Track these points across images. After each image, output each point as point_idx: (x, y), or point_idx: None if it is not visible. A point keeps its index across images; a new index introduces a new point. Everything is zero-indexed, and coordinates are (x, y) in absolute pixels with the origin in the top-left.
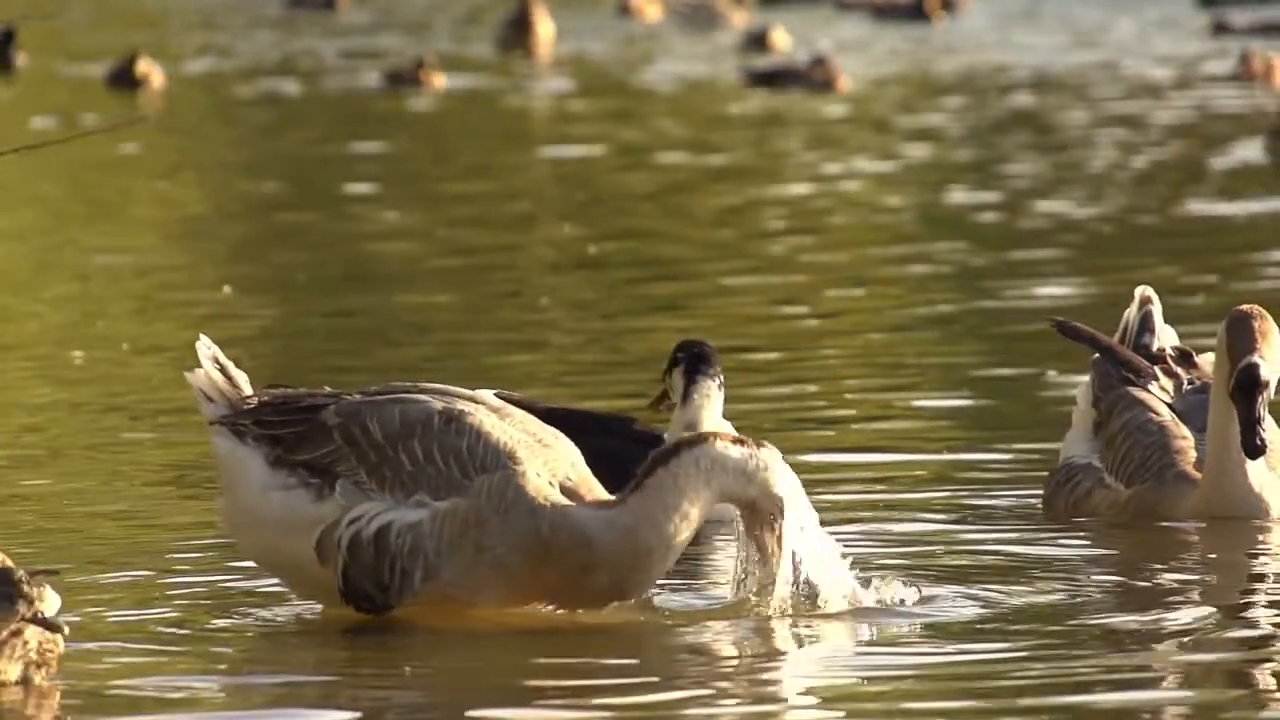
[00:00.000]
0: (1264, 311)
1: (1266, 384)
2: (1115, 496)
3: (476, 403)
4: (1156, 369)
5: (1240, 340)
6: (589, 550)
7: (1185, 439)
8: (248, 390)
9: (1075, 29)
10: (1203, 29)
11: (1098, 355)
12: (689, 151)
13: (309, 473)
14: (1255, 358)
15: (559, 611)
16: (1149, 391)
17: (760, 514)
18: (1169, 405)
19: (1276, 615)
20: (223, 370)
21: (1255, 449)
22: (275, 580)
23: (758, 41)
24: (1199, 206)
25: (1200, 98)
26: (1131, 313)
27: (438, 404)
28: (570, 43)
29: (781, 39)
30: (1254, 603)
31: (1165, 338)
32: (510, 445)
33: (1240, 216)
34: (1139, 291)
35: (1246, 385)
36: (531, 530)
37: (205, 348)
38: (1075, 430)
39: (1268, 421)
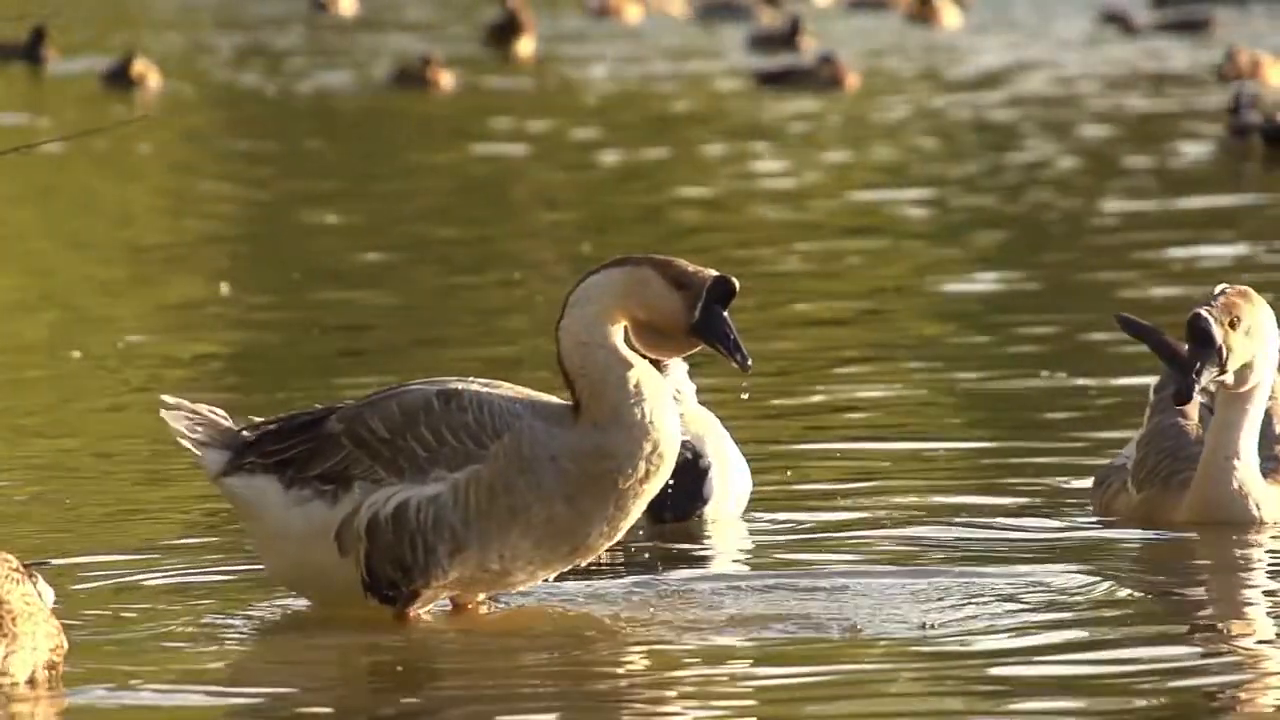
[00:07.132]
0: (1247, 291)
1: (1211, 334)
2: (1130, 500)
3: (465, 379)
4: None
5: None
6: (607, 458)
7: (1201, 444)
8: (230, 423)
9: (1015, 27)
10: (1102, 26)
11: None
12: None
13: (323, 483)
14: (1204, 311)
15: (584, 562)
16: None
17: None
18: (1208, 408)
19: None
20: (202, 418)
21: (1183, 393)
22: (272, 579)
23: (770, 41)
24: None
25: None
26: None
27: (431, 388)
28: (560, 45)
29: (805, 40)
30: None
31: None
32: (511, 406)
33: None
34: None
35: (1193, 334)
36: (558, 473)
37: (173, 409)
38: (1141, 430)
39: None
